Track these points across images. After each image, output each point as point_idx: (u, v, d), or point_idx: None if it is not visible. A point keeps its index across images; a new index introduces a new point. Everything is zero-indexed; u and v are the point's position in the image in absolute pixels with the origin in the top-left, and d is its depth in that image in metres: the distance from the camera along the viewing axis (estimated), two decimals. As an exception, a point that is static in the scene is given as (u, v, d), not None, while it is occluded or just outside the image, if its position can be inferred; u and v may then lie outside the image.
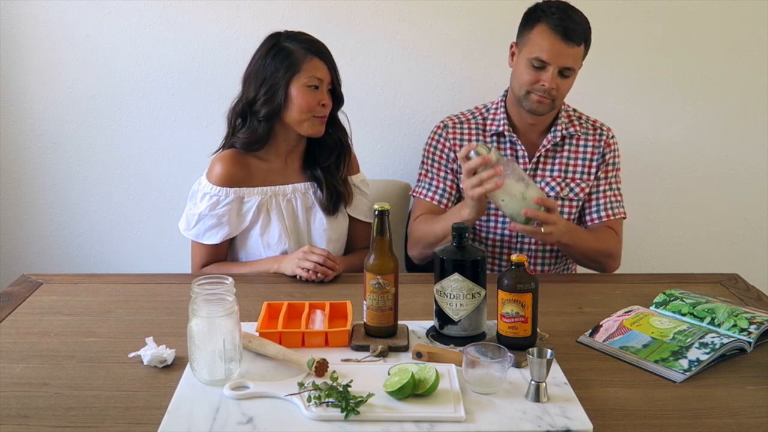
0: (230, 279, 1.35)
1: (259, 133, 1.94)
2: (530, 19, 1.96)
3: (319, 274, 1.83)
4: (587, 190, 2.09)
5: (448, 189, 2.10)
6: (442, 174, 2.11)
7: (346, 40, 2.51)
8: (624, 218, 2.11)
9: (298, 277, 1.85)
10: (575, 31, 1.91)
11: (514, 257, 1.42)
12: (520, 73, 1.97)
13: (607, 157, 2.10)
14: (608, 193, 2.10)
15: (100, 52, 2.52)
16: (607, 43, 2.54)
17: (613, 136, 2.12)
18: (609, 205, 2.09)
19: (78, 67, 2.53)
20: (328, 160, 2.02)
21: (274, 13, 2.49)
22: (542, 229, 1.77)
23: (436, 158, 2.12)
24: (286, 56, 1.90)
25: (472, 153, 1.74)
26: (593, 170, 2.09)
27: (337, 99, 1.98)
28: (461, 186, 1.83)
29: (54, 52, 2.52)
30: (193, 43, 2.52)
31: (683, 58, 2.57)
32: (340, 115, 2.03)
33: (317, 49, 1.93)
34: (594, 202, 2.10)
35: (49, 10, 2.48)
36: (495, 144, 2.09)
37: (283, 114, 1.93)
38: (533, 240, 2.09)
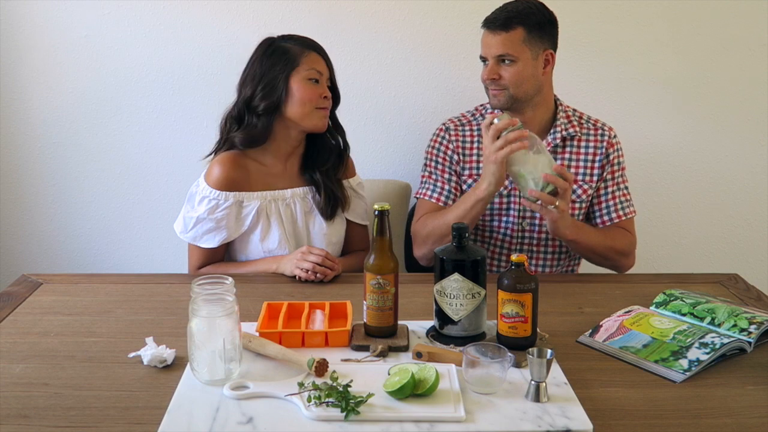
0: (230, 279, 1.35)
1: (258, 129, 1.93)
2: None
3: (318, 275, 1.83)
4: (590, 191, 2.09)
5: (452, 190, 2.10)
6: (446, 175, 2.11)
7: (346, 41, 2.51)
8: (634, 216, 2.12)
9: (297, 277, 1.85)
10: (499, 18, 1.97)
11: (514, 257, 1.42)
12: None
13: (612, 157, 2.10)
14: (617, 193, 2.10)
15: (100, 52, 2.52)
16: (607, 43, 2.54)
17: (615, 136, 2.12)
18: (619, 206, 2.10)
19: (78, 67, 2.53)
20: (327, 162, 2.02)
21: (274, 13, 2.49)
22: (557, 202, 1.78)
23: (440, 160, 2.12)
24: (283, 53, 1.91)
25: (495, 120, 1.80)
26: (596, 171, 2.09)
27: (336, 97, 1.99)
28: (484, 154, 1.87)
29: (54, 52, 2.52)
30: (193, 43, 2.52)
31: (683, 58, 2.57)
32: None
33: (313, 45, 1.95)
34: (604, 204, 2.10)
35: (49, 10, 2.48)
36: None
37: (284, 109, 1.92)
38: (534, 240, 2.09)
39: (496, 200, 2.06)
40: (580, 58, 2.53)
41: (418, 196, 2.15)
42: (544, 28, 1.99)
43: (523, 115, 2.04)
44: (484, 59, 2.02)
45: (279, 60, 1.90)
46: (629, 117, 2.59)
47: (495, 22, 1.98)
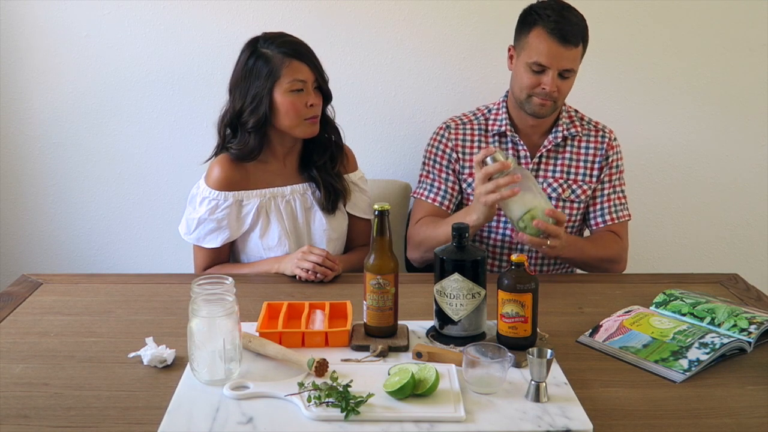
0: (230, 279, 1.35)
1: (251, 145, 1.93)
2: (526, 23, 1.96)
3: (318, 275, 1.83)
4: (589, 192, 2.09)
5: (449, 191, 2.10)
6: (443, 175, 2.11)
7: (346, 40, 2.51)
8: (628, 220, 2.11)
9: (297, 277, 1.85)
10: (572, 32, 1.90)
11: (514, 257, 1.42)
12: (520, 77, 1.97)
13: (611, 159, 2.09)
14: (612, 196, 2.10)
15: (100, 52, 2.52)
16: (607, 44, 2.54)
17: (615, 138, 2.12)
18: (613, 209, 2.09)
19: (78, 67, 2.53)
20: (322, 158, 2.02)
21: (274, 13, 2.49)
22: (548, 242, 1.75)
23: (438, 159, 2.12)
24: (265, 63, 1.88)
25: (488, 159, 1.73)
26: (595, 172, 2.09)
27: (325, 96, 1.97)
28: (474, 191, 1.80)
29: (54, 52, 2.52)
30: (193, 43, 2.52)
31: (683, 58, 2.57)
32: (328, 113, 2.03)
33: (295, 51, 1.89)
34: (598, 206, 2.10)
35: (49, 10, 2.48)
36: (497, 144, 2.09)
37: (274, 121, 1.92)
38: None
39: None
40: (580, 58, 2.53)
41: (415, 195, 2.14)
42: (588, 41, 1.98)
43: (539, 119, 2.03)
44: (541, 67, 1.92)
45: (261, 72, 1.87)
46: (629, 117, 2.59)
47: (570, 35, 1.89)
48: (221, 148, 1.99)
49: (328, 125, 2.02)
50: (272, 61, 1.88)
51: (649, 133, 2.63)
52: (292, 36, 1.94)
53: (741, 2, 2.53)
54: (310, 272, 1.83)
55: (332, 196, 2.02)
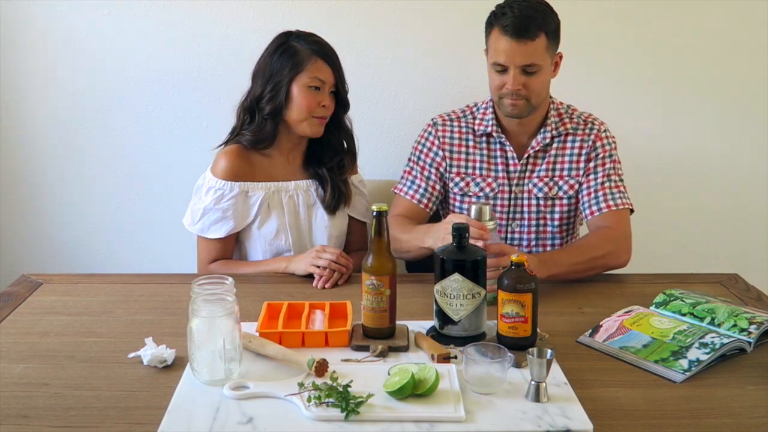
0: (230, 279, 1.36)
1: (266, 131, 1.96)
2: (487, 25, 1.96)
3: (334, 272, 1.82)
4: (576, 186, 2.05)
5: (430, 189, 2.09)
6: (425, 173, 2.10)
7: (346, 40, 2.50)
8: (630, 209, 2.04)
9: (314, 278, 1.83)
10: (525, 26, 1.86)
11: (514, 257, 1.42)
12: (490, 79, 1.97)
13: (600, 150, 2.04)
14: (606, 184, 2.03)
15: (100, 52, 2.52)
16: (607, 44, 2.54)
17: (606, 130, 2.07)
18: (609, 196, 2.01)
19: (78, 67, 2.53)
20: (332, 160, 2.04)
21: (274, 13, 2.49)
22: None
23: (423, 156, 2.11)
24: (292, 55, 1.92)
25: (474, 208, 1.69)
26: (582, 164, 2.04)
27: (342, 103, 2.00)
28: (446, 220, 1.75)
29: (54, 52, 2.52)
30: (193, 43, 2.52)
31: (683, 58, 2.57)
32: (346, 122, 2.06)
33: (323, 51, 1.95)
34: (592, 195, 2.02)
35: (49, 10, 2.48)
36: (485, 145, 2.07)
37: (285, 112, 1.94)
38: (524, 242, 2.09)
39: None
40: (580, 58, 2.52)
41: (395, 190, 2.13)
42: (557, 32, 1.92)
43: (524, 118, 2.00)
44: (502, 67, 1.90)
45: (287, 62, 1.92)
46: (629, 117, 2.59)
47: (519, 30, 1.85)
48: (236, 133, 2.01)
49: (341, 131, 2.04)
50: (299, 55, 1.92)
51: (649, 133, 2.63)
52: (323, 39, 1.98)
53: (741, 2, 2.53)
54: (327, 270, 1.81)
55: (336, 197, 2.03)
